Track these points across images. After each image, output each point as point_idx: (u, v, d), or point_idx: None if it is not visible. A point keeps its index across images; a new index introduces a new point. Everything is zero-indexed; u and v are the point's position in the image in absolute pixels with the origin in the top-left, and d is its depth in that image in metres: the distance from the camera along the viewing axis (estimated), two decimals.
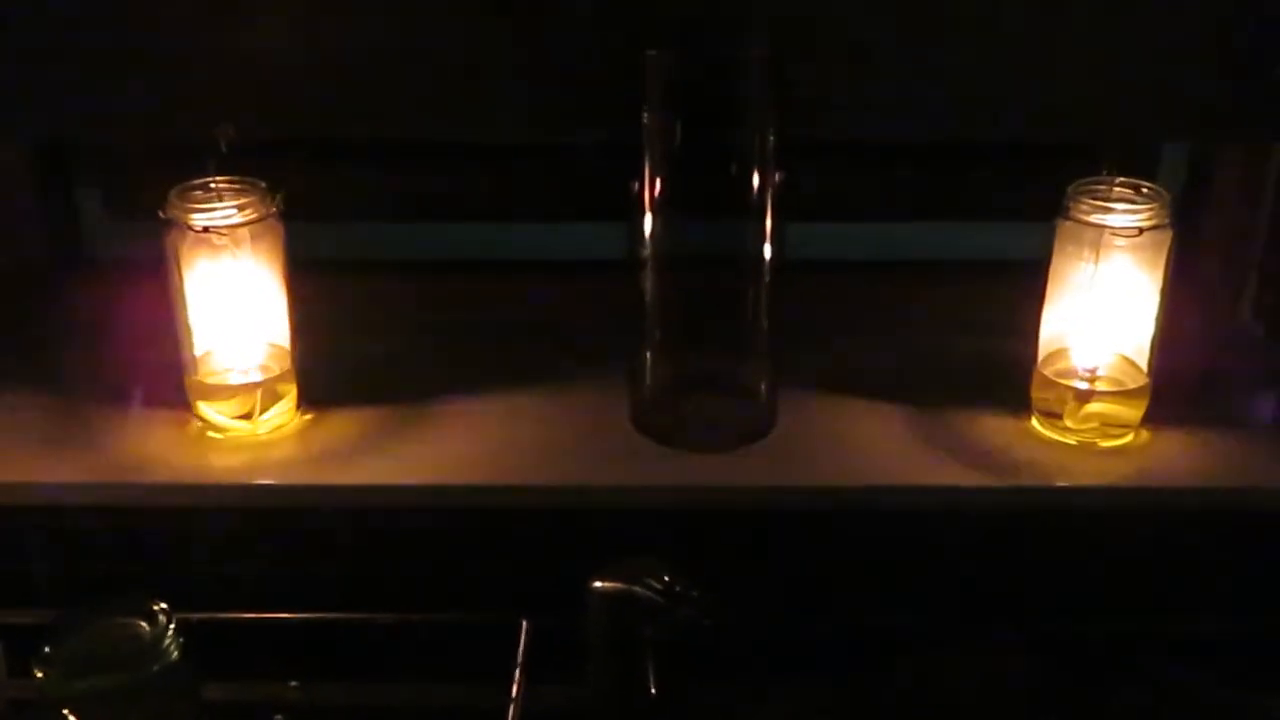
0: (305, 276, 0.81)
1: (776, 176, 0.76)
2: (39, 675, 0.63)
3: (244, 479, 0.78)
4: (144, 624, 0.65)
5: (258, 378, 0.81)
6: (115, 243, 1.01)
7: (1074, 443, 0.81)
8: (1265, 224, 0.92)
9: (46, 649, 0.63)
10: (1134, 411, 0.80)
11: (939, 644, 0.80)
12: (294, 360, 0.82)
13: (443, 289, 0.97)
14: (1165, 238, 0.76)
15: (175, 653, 0.64)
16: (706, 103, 0.75)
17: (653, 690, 0.70)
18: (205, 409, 0.81)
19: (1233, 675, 0.79)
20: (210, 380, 0.81)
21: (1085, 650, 0.80)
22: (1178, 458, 0.80)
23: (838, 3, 0.80)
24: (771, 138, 0.75)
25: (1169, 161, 0.95)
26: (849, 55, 0.80)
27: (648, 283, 0.79)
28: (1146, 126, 0.86)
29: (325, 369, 0.84)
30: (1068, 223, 0.78)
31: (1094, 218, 0.77)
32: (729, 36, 0.76)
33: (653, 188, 0.76)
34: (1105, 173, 0.77)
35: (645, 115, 0.75)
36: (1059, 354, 0.82)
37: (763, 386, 0.83)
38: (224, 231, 0.77)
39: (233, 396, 0.81)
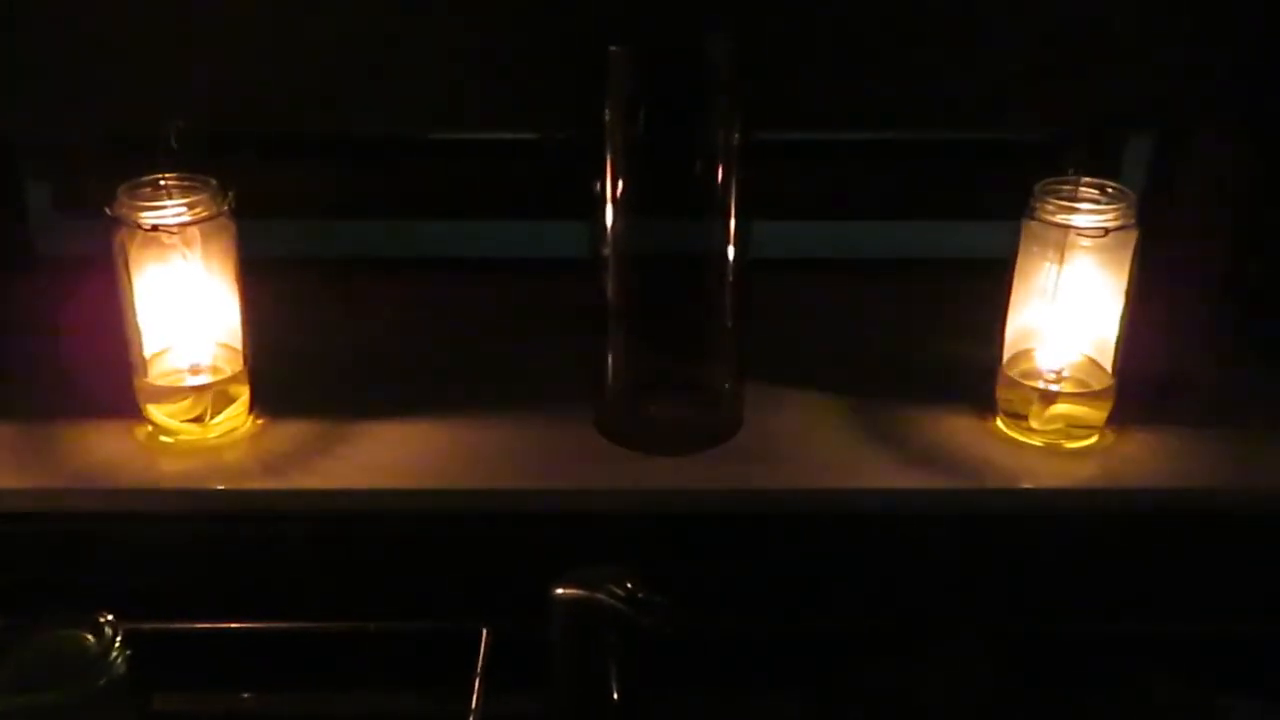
0: (258, 276, 0.79)
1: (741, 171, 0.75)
2: None
3: (195, 484, 0.77)
4: (89, 636, 0.63)
5: (209, 380, 0.80)
6: (64, 240, 0.99)
7: (1039, 444, 0.80)
8: (1228, 223, 0.93)
9: None
10: (1099, 413, 0.80)
11: (905, 647, 0.79)
12: (247, 362, 0.80)
13: (400, 288, 0.96)
14: (1130, 238, 0.76)
15: (122, 666, 0.63)
16: (670, 99, 0.74)
17: (615, 698, 0.69)
18: (155, 412, 0.79)
19: (1196, 676, 0.79)
20: (160, 382, 0.79)
21: (1050, 652, 0.79)
22: (1143, 459, 0.80)
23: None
24: (736, 135, 0.74)
25: (1130, 160, 0.95)
26: (816, 53, 0.80)
27: (610, 282, 0.78)
28: (1114, 117, 0.87)
29: (279, 371, 0.82)
30: (1033, 223, 0.78)
31: (1059, 218, 0.76)
32: (693, 32, 0.75)
33: (615, 186, 0.75)
34: (1071, 173, 0.77)
35: (608, 112, 0.74)
36: (1024, 355, 0.82)
37: (727, 388, 0.82)
38: (174, 230, 0.75)
39: (183, 399, 0.79)
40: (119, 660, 0.63)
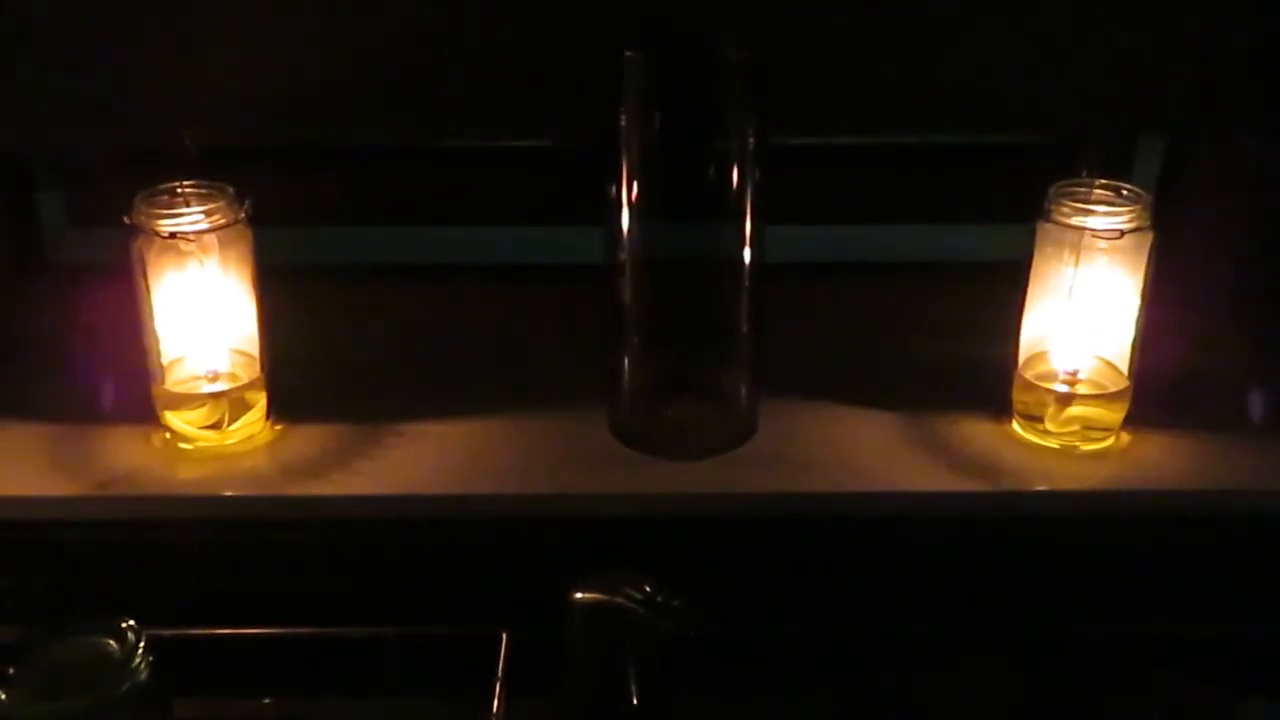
0: (275, 282, 0.79)
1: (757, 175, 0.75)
2: (2, 697, 0.61)
3: (214, 490, 0.77)
4: (112, 642, 0.64)
5: (226, 386, 0.80)
6: (77, 249, 1.00)
7: (1055, 446, 0.80)
8: (1241, 223, 0.93)
9: (10, 669, 0.62)
10: (1115, 414, 0.80)
11: (921, 650, 0.79)
12: (263, 368, 0.80)
13: (416, 294, 0.96)
14: (1146, 239, 0.76)
15: (145, 671, 0.63)
16: (685, 104, 0.74)
17: (634, 702, 0.69)
18: (173, 419, 0.79)
19: (1214, 677, 0.79)
20: (178, 389, 0.80)
21: (1067, 654, 0.79)
22: (1158, 460, 0.80)
23: (815, 4, 0.79)
24: (751, 139, 0.74)
25: (1142, 161, 0.95)
26: (830, 57, 0.80)
27: (626, 287, 0.78)
28: (1119, 121, 0.86)
29: (296, 377, 0.83)
30: (1048, 225, 0.78)
31: (1075, 220, 0.77)
32: (708, 37, 0.75)
33: (630, 191, 0.75)
34: (1085, 174, 0.77)
35: (623, 117, 0.74)
36: (1039, 357, 0.82)
37: (743, 392, 0.82)
38: (192, 238, 0.75)
39: (201, 406, 0.79)
40: (141, 666, 0.63)
